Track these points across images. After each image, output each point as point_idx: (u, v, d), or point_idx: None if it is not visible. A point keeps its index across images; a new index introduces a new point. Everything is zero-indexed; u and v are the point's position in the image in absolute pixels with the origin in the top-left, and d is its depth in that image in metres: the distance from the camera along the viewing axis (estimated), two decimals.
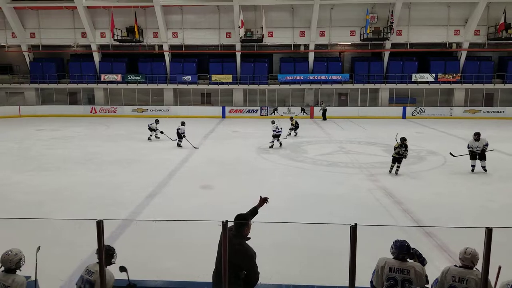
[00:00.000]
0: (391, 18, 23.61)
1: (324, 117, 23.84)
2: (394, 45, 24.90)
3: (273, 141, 14.53)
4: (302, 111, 25.01)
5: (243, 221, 3.31)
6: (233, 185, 9.91)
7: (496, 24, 23.89)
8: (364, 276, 3.41)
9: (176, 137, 15.02)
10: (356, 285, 2.78)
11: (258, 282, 3.52)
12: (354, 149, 14.46)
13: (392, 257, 3.50)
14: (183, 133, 14.86)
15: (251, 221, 3.44)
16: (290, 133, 17.14)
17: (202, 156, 13.47)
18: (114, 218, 7.20)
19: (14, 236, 3.78)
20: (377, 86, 25.35)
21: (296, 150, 14.25)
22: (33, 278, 3.54)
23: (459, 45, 24.86)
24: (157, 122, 16.55)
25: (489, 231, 2.50)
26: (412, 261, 3.52)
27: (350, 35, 25.04)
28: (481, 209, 7.90)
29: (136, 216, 7.77)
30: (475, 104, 25.26)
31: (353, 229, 2.69)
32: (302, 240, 6.08)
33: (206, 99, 26.56)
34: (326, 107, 24.23)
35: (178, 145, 14.94)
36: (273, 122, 14.71)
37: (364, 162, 12.23)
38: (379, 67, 25.45)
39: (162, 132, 15.88)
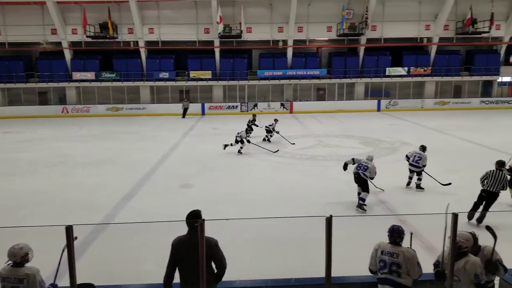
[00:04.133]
0: (366, 14, 26.28)
1: (183, 115, 25.29)
2: (369, 40, 27.63)
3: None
4: (282, 106, 27.34)
5: (195, 219, 3.49)
6: (214, 183, 10.70)
7: (463, 19, 27.07)
8: (345, 265, 4.12)
9: None
10: (335, 275, 3.14)
11: (236, 279, 3.91)
12: (332, 142, 16.31)
13: (388, 241, 3.99)
14: None
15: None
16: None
17: (181, 155, 14.55)
18: (87, 222, 7.49)
19: None
20: (353, 80, 28.11)
21: (276, 145, 15.75)
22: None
23: (429, 39, 27.98)
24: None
25: (455, 216, 3.06)
26: (406, 247, 3.96)
27: (327, 31, 27.56)
28: (448, 196, 9.51)
29: (112, 219, 8.07)
30: (445, 96, 28.62)
31: (329, 220, 2.93)
32: (281, 234, 6.60)
33: (184, 96, 28.26)
34: (188, 106, 25.55)
35: None
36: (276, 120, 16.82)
37: (342, 154, 13.89)
38: (355, 62, 28.18)
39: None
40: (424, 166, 9.87)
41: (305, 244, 6.38)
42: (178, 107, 25.67)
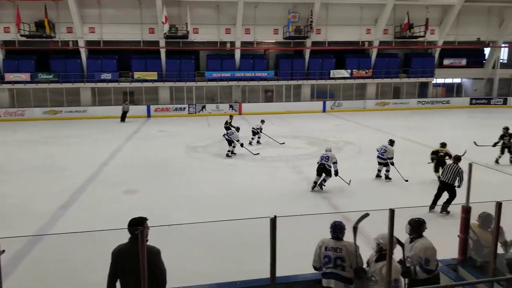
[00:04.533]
0: (311, 18, 26.97)
1: (122, 118, 23.75)
2: (314, 43, 28.40)
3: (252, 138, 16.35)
4: (231, 108, 27.34)
5: (136, 227, 3.30)
6: (160, 188, 10.43)
7: (401, 24, 28.66)
8: (291, 264, 4.25)
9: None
10: (281, 274, 3.22)
11: (180, 285, 3.84)
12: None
13: (331, 237, 4.18)
14: None
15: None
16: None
17: (126, 159, 14.01)
18: (21, 233, 7.03)
19: None
20: (300, 82, 28.77)
21: (225, 147, 15.46)
22: None
23: (370, 43, 29.32)
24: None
25: (391, 212, 3.10)
26: (348, 241, 4.14)
27: (274, 33, 27.94)
28: (393, 192, 10.11)
29: (49, 229, 7.70)
30: (385, 96, 30.15)
31: (273, 221, 3.00)
32: (232, 237, 6.54)
33: (129, 98, 27.33)
34: (128, 109, 24.01)
35: None
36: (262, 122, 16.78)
37: (290, 155, 14.29)
38: (301, 64, 28.86)
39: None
40: (390, 158, 10.83)
41: (257, 245, 6.39)
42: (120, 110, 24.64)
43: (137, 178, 11.47)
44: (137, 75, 26.75)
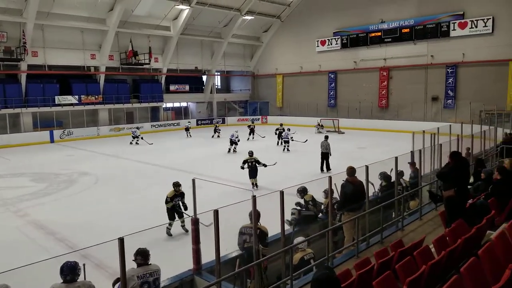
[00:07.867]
0: (23, 39, 24.00)
1: None
2: (31, 66, 25.42)
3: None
4: None
5: None
6: None
7: (126, 51, 29.45)
8: None
9: None
10: None
11: None
12: None
13: (62, 281, 3.91)
14: None
15: None
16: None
17: None
18: None
19: None
20: (17, 110, 25.07)
21: None
22: None
23: (97, 68, 28.73)
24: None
25: (121, 240, 3.22)
26: (83, 280, 4.01)
27: None
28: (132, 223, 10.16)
29: None
30: (119, 122, 30.13)
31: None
32: None
33: None
34: None
35: None
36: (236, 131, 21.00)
37: (10, 197, 12.29)
38: (17, 90, 25.24)
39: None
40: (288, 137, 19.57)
41: None
42: None
43: None
44: None
